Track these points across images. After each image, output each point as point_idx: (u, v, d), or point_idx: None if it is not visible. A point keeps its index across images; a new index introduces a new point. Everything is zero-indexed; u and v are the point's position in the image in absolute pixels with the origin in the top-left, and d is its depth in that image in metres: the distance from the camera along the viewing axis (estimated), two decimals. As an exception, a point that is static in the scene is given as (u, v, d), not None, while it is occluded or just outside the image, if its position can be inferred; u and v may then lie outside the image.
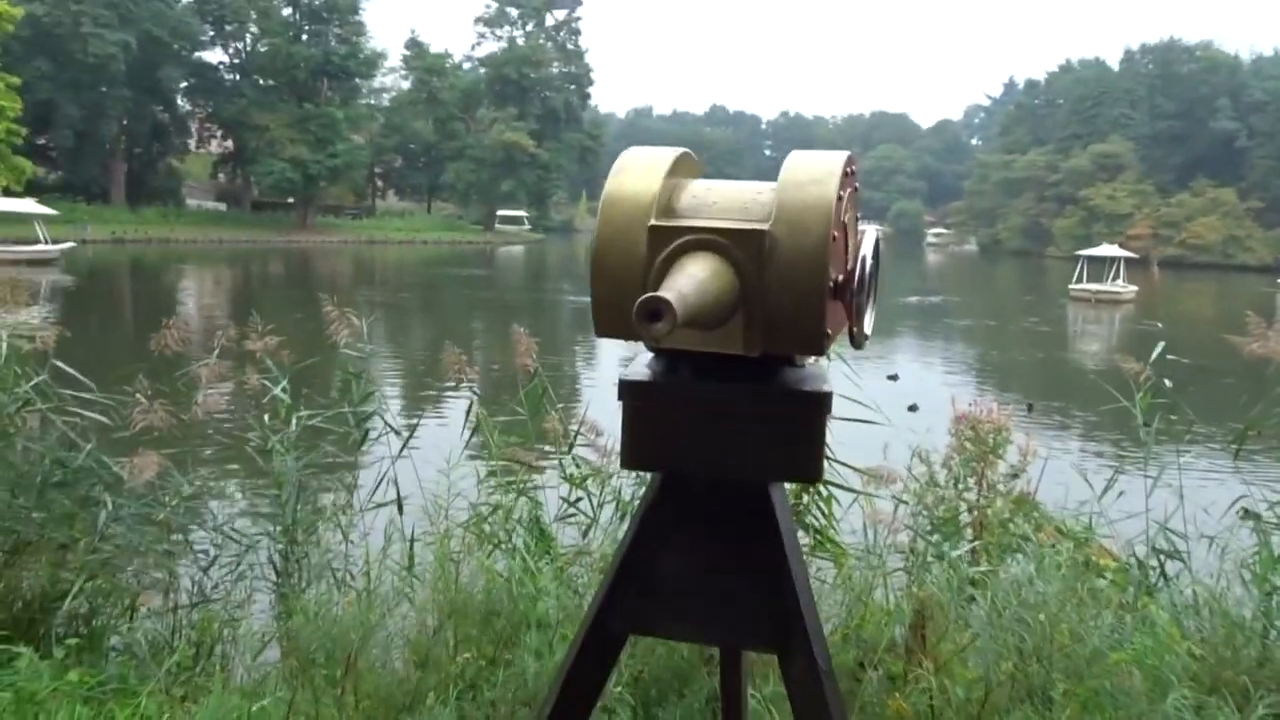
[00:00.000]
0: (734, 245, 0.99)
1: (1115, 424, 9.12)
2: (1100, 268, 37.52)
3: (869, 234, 1.07)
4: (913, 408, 11.93)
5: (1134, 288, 36.17)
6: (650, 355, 1.12)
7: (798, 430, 1.05)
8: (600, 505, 3.31)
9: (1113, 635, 2.16)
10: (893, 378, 16.30)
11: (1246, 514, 4.29)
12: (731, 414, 1.06)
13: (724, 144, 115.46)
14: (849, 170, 1.08)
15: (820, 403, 1.05)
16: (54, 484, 2.98)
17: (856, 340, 1.05)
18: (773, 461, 1.06)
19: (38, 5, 41.37)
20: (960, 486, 3.26)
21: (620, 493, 3.27)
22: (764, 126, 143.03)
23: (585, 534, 3.28)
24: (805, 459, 1.07)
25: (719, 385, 1.05)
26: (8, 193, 34.02)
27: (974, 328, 27.74)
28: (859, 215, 1.21)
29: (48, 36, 42.95)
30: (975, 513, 3.25)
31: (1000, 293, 44.24)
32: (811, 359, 1.12)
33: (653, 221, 1.02)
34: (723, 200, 1.06)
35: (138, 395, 3.11)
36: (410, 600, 2.97)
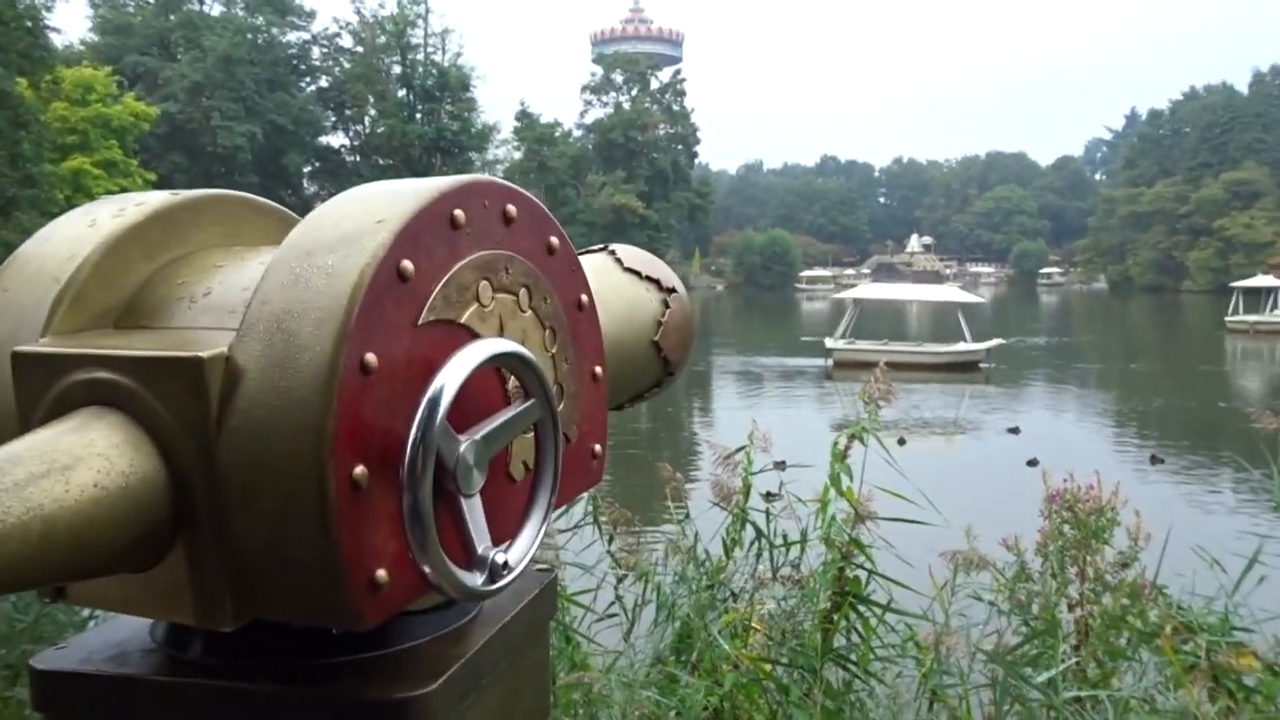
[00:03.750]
0: (152, 394, 0.49)
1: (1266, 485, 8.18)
2: (1255, 299, 36.32)
3: (476, 346, 0.53)
4: (1032, 462, 11.10)
5: None
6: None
7: None
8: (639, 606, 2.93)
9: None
10: (1013, 430, 15.32)
11: None
12: None
13: (836, 194, 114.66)
14: (479, 207, 0.56)
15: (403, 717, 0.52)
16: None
17: (440, 587, 0.51)
18: None
19: (171, 104, 44.38)
20: (1058, 580, 2.75)
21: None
22: (877, 174, 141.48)
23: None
24: None
25: (236, 686, 0.53)
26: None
27: (1114, 370, 26.18)
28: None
29: (181, 131, 45.95)
30: (1077, 611, 2.73)
31: (1136, 330, 41.99)
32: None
33: (22, 346, 0.52)
34: (223, 289, 0.57)
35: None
36: None
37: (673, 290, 0.77)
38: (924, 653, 2.56)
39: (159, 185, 39.53)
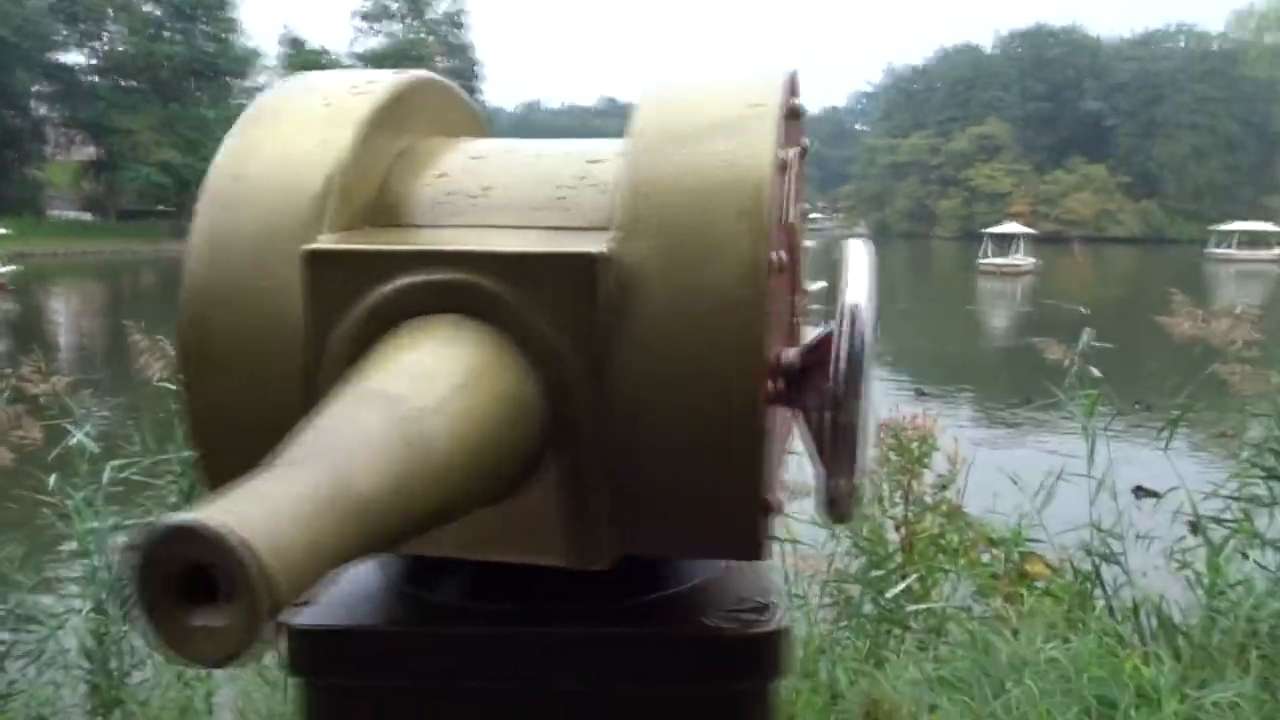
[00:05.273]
0: (526, 298, 0.42)
1: (1036, 411, 9.03)
2: (1002, 244, 41.58)
3: (854, 250, 0.47)
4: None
5: (1034, 260, 39.01)
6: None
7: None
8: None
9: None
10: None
11: (1141, 492, 4.11)
12: (559, 693, 0.47)
13: (616, 135, 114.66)
14: (793, 106, 0.49)
15: (763, 655, 0.46)
16: None
17: (839, 505, 0.44)
18: None
19: None
20: (886, 503, 2.93)
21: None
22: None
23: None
24: None
25: (522, 632, 0.46)
26: None
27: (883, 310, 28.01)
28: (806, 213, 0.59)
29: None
30: (903, 530, 2.93)
31: (899, 274, 45.37)
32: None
33: (315, 243, 0.44)
34: (512, 183, 0.49)
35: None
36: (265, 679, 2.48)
37: None
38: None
39: None
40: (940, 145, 76.02)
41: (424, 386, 0.37)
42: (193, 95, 51.44)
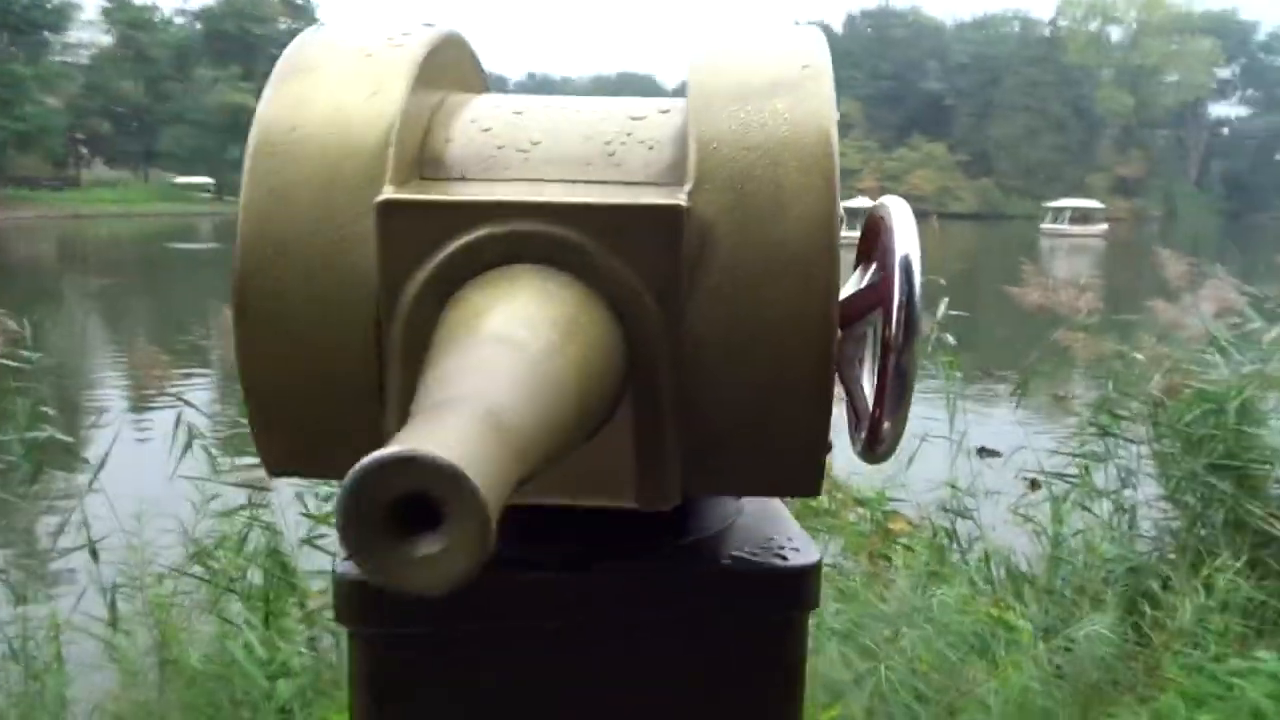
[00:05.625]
0: (604, 249, 0.42)
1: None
2: (853, 217, 44.15)
3: (895, 206, 0.51)
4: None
5: None
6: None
7: (755, 653, 0.48)
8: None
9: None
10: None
11: (985, 452, 4.40)
12: (595, 639, 0.48)
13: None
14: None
15: (803, 587, 0.48)
16: None
17: (884, 444, 0.46)
18: None
19: None
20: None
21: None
22: (510, 87, 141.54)
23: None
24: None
25: (570, 576, 0.47)
26: None
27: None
28: None
29: None
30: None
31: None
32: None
33: (389, 193, 0.43)
34: (559, 138, 0.49)
35: None
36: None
37: None
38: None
39: None
40: (794, 122, 78.23)
41: (538, 334, 0.38)
42: (5, 51, 47.43)
